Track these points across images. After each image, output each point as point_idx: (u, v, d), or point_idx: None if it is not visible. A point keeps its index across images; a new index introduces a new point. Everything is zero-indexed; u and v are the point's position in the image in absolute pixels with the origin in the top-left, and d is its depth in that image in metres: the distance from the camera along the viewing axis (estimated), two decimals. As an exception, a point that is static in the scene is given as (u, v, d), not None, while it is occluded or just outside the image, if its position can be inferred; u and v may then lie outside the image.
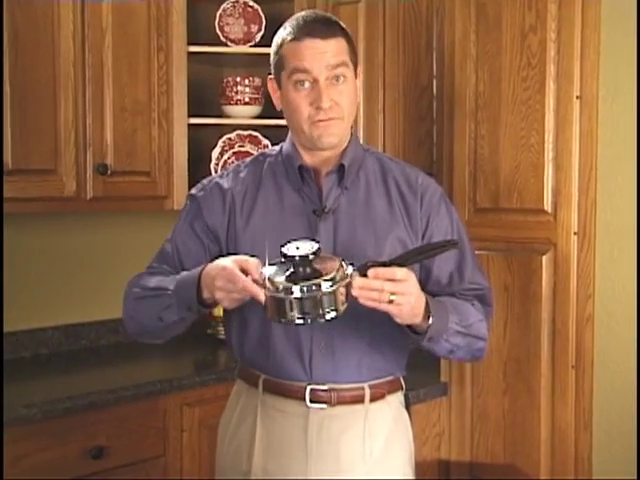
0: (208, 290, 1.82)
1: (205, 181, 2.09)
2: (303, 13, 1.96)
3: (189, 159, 3.21)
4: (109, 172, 2.96)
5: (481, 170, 2.83)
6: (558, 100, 2.67)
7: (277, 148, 2.09)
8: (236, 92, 3.35)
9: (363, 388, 1.98)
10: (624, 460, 2.60)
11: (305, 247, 1.71)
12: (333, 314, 1.70)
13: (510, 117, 2.75)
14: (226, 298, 1.79)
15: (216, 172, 3.27)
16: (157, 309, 1.93)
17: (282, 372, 1.97)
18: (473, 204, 2.86)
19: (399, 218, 1.99)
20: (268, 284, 1.71)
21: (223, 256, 1.86)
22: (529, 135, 2.72)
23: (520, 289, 2.77)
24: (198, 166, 3.31)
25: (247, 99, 3.35)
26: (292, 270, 1.71)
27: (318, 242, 1.72)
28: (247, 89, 3.35)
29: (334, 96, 1.91)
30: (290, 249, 1.71)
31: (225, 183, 2.04)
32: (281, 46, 1.94)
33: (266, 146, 3.35)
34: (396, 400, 2.07)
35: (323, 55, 1.89)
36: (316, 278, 1.69)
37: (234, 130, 3.38)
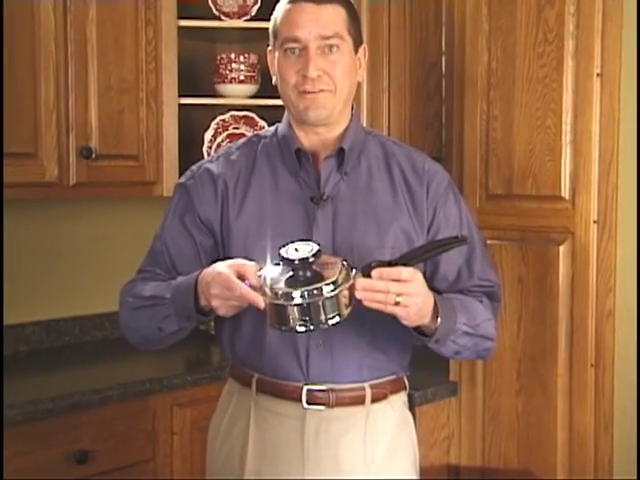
0: (204, 297, 1.83)
1: (194, 167, 2.09)
2: None
3: (180, 142, 3.21)
4: (93, 156, 2.95)
5: (493, 154, 2.83)
6: (577, 78, 2.66)
7: (272, 129, 2.09)
8: (230, 70, 3.34)
9: (364, 388, 1.99)
10: (647, 465, 2.60)
11: (304, 249, 1.71)
12: (337, 319, 1.72)
13: (525, 97, 2.75)
14: (223, 306, 1.80)
15: (209, 156, 3.26)
16: (155, 319, 1.94)
17: (277, 371, 1.97)
18: (485, 190, 2.86)
19: (403, 207, 1.99)
20: (267, 291, 1.72)
21: (221, 252, 1.85)
22: (545, 116, 2.71)
23: (535, 282, 2.77)
24: (189, 149, 3.31)
25: (242, 77, 3.35)
26: (291, 274, 1.72)
27: (319, 244, 1.73)
28: (242, 66, 3.34)
29: (324, 66, 1.91)
30: (289, 252, 1.71)
31: (215, 168, 2.04)
32: (278, 12, 1.96)
33: (263, 128, 3.34)
34: (399, 401, 2.07)
35: (315, 22, 1.89)
36: (317, 282, 1.70)
37: (228, 111, 3.38)
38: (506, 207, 2.82)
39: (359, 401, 1.98)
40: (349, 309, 1.73)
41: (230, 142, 3.26)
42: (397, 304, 1.72)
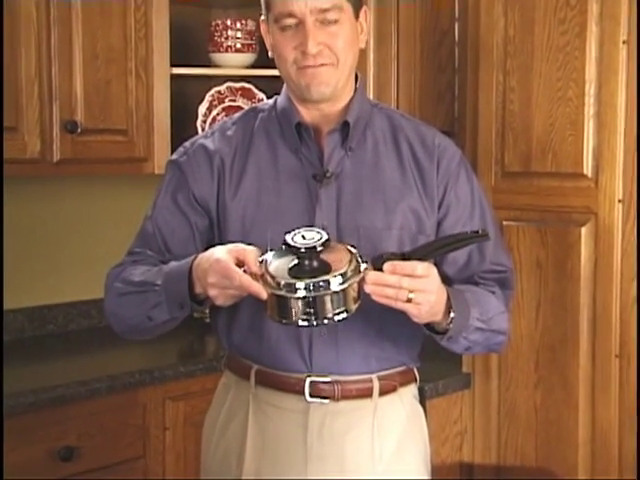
0: (200, 285, 1.83)
1: (187, 144, 2.08)
2: None
3: (172, 116, 3.21)
4: (79, 130, 2.96)
5: (510, 128, 2.83)
6: (601, 46, 2.65)
7: (270, 102, 2.09)
8: (226, 37, 3.34)
9: (371, 380, 1.99)
10: (675, 463, 2.61)
11: (312, 236, 1.71)
12: (343, 315, 1.71)
13: (545, 66, 2.75)
14: (221, 295, 1.80)
15: (203, 131, 3.26)
16: (145, 307, 1.94)
17: (277, 362, 1.98)
18: (501, 167, 2.86)
19: (412, 184, 1.99)
20: (268, 279, 1.71)
21: (217, 234, 1.85)
22: (567, 87, 2.71)
23: (555, 266, 2.77)
24: (182, 124, 3.31)
25: (239, 45, 3.35)
26: (296, 263, 1.71)
27: (327, 232, 1.73)
28: (239, 34, 3.34)
29: (324, 39, 1.90)
30: (295, 238, 1.70)
31: (211, 144, 2.04)
32: None
33: (262, 100, 3.34)
34: (409, 393, 2.08)
35: None
36: (325, 274, 1.69)
37: (224, 82, 3.38)
38: (524, 185, 2.82)
39: (366, 394, 1.99)
40: (357, 304, 1.73)
41: (226, 116, 3.26)
42: (409, 301, 1.73)
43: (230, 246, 1.80)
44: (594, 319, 2.71)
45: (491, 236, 2.04)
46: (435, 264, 1.83)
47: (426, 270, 1.74)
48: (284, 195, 1.96)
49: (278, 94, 2.08)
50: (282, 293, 1.69)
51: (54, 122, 2.91)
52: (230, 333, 2.04)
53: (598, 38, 2.66)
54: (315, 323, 1.70)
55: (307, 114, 2.00)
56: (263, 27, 2.02)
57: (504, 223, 2.83)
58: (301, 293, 1.68)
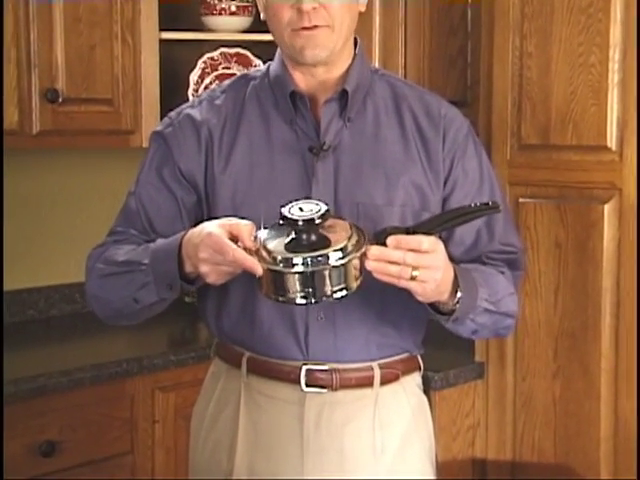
0: (191, 262, 1.83)
1: (172, 114, 2.09)
2: None
3: (161, 84, 3.22)
4: (60, 100, 2.97)
5: (527, 97, 2.83)
6: (627, 6, 2.65)
7: (262, 68, 2.10)
8: (220, -1, 3.35)
9: (372, 368, 2.01)
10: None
11: (311, 208, 1.71)
12: (343, 292, 1.72)
13: (565, 29, 2.75)
14: (213, 272, 1.80)
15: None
16: (130, 289, 1.94)
17: (271, 348, 1.99)
18: (517, 140, 2.87)
19: (416, 157, 2.00)
20: (264, 254, 1.72)
21: (205, 211, 1.85)
22: (589, 52, 2.71)
23: (576, 246, 2.78)
24: (173, 93, 3.31)
25: (234, 8, 3.34)
26: (294, 237, 1.72)
27: (327, 204, 1.73)
28: (234, -5, 3.35)
29: None
30: (292, 211, 1.71)
31: (198, 114, 2.04)
32: None
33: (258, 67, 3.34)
34: (413, 382, 2.09)
35: None
36: (324, 248, 1.70)
37: (218, 47, 3.38)
38: (542, 159, 2.82)
39: (367, 383, 2.00)
40: (358, 281, 1.74)
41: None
42: (413, 278, 1.73)
43: (223, 220, 1.81)
44: (617, 303, 2.72)
45: (500, 215, 2.04)
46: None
47: (433, 245, 1.74)
48: (278, 169, 1.96)
49: (272, 60, 2.08)
50: (278, 268, 1.70)
51: (33, 91, 2.92)
52: (219, 318, 2.04)
53: (624, -1, 2.66)
54: (313, 301, 1.72)
55: (302, 81, 2.00)
56: None
57: (520, 200, 2.84)
58: (298, 268, 1.69)
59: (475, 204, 1.83)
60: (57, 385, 2.68)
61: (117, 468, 2.82)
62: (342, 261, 1.69)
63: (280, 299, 1.73)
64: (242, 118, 2.02)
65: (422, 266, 1.73)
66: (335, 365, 1.98)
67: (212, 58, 3.37)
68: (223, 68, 3.37)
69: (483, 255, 2.05)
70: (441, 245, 1.77)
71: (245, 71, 3.28)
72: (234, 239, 1.76)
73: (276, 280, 1.72)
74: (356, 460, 2.00)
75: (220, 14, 3.35)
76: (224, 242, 1.74)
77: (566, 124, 2.76)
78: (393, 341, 2.03)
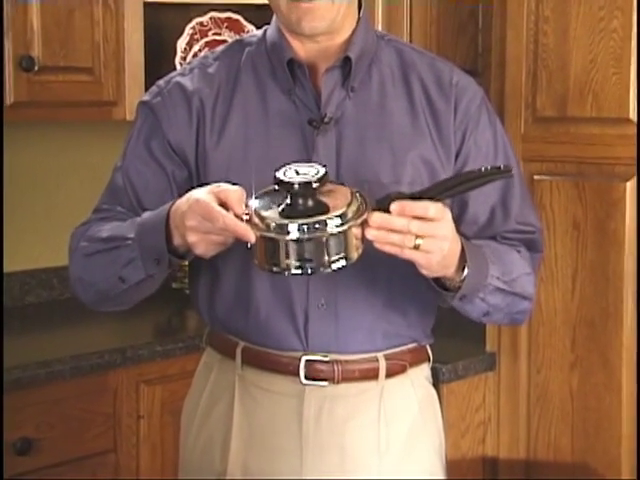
0: (179, 233, 1.82)
1: (161, 82, 2.08)
2: None
3: (146, 52, 3.21)
4: (36, 68, 2.96)
5: (543, 65, 2.83)
6: (652, -34, 2.66)
7: (259, 34, 2.09)
8: (209, -42, 3.34)
9: (377, 359, 2.00)
10: None
11: (307, 171, 1.71)
12: (342, 262, 1.71)
13: (584, -9, 2.75)
14: (202, 242, 1.79)
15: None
16: (115, 267, 1.93)
17: (268, 338, 1.99)
18: (532, 112, 2.87)
19: (425, 130, 1.99)
20: (256, 220, 1.72)
21: (196, 186, 1.85)
22: (610, 17, 2.71)
23: (595, 227, 2.78)
24: (159, 61, 3.31)
25: (225, -32, 3.35)
26: (289, 202, 1.72)
27: (324, 166, 1.73)
28: (224, -47, 3.34)
29: None
30: (287, 174, 1.71)
31: (189, 83, 2.04)
32: None
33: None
34: (421, 375, 2.09)
35: None
36: (321, 214, 1.69)
37: (207, 12, 3.37)
38: (559, 133, 2.83)
39: (371, 375, 2.00)
40: (359, 251, 1.73)
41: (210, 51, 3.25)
42: (417, 247, 1.71)
43: (211, 186, 1.79)
44: (639, 290, 2.73)
45: (517, 190, 2.05)
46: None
47: (440, 212, 1.72)
48: (275, 144, 1.95)
49: (269, 24, 2.07)
50: (272, 235, 1.70)
51: (6, 58, 2.91)
52: (212, 304, 2.04)
53: (649, -44, 2.66)
54: (310, 271, 1.70)
55: (301, 49, 1.99)
56: None
57: (535, 177, 2.84)
58: (294, 235, 1.68)
59: (485, 168, 1.79)
60: (34, 378, 2.68)
61: (99, 467, 2.82)
62: (341, 228, 1.68)
63: (274, 269, 1.72)
64: (237, 88, 2.01)
65: (427, 235, 1.71)
66: (337, 356, 1.98)
67: (201, 23, 3.37)
68: (213, 34, 3.36)
69: (498, 235, 2.05)
70: (448, 213, 1.76)
71: (237, 37, 3.31)
72: (224, 206, 1.74)
73: (270, 248, 1.71)
74: (359, 459, 2.00)
75: (210, -26, 3.35)
76: (213, 208, 1.72)
77: (585, 95, 2.77)
78: (400, 330, 2.02)
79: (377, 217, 1.69)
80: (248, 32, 3.33)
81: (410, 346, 2.05)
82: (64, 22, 3.02)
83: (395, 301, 2.00)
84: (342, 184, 1.80)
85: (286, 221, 1.69)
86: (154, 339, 3.01)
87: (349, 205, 1.71)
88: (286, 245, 1.69)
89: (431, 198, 1.73)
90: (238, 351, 2.02)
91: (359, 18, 2.02)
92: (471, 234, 2.01)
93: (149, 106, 2.06)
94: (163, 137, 2.02)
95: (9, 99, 2.93)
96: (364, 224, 1.70)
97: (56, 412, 2.73)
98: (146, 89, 3.02)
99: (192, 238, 1.78)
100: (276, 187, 1.72)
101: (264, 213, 1.72)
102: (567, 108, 2.80)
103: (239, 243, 1.74)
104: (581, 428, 2.85)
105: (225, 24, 3.38)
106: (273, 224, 1.70)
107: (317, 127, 1.95)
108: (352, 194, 1.73)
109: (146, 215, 1.92)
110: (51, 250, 3.35)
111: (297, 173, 1.70)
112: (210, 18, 3.37)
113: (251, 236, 1.70)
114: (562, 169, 2.83)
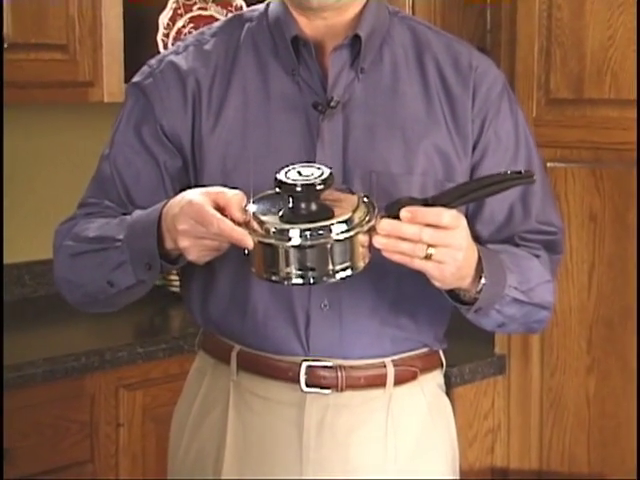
0: (171, 237, 1.82)
1: (153, 61, 2.07)
2: None
3: (125, 28, 3.21)
4: (5, 45, 2.95)
5: (557, 43, 2.83)
6: None
7: (260, 8, 2.07)
8: None
9: (384, 365, 2.00)
10: None
11: (311, 173, 1.70)
12: (347, 272, 1.71)
13: (602, -37, 2.76)
14: (194, 247, 1.79)
15: (165, 48, 3.26)
16: (104, 269, 1.93)
17: (265, 341, 1.98)
18: (545, 93, 2.87)
19: (440, 118, 1.98)
20: (255, 225, 1.71)
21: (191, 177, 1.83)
22: (630, -10, 2.72)
23: (613, 219, 2.79)
24: (139, 38, 3.31)
25: None
26: (291, 206, 1.71)
27: (330, 168, 1.72)
28: None
29: None
30: (289, 175, 1.70)
31: (184, 62, 2.02)
32: None
33: (240, 8, 3.32)
34: (433, 382, 2.08)
35: None
36: (325, 219, 1.69)
37: (192, -16, 3.37)
38: (574, 116, 2.83)
39: (378, 383, 1.99)
40: (366, 260, 1.73)
41: (194, 28, 3.25)
42: (428, 257, 1.71)
43: (208, 188, 1.80)
44: (662, 286, 2.73)
45: (538, 187, 2.04)
46: (467, 221, 1.80)
47: (454, 220, 1.72)
48: (276, 129, 1.94)
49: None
50: (271, 241, 1.69)
51: (-26, 35, 2.90)
52: (206, 305, 2.03)
53: None
54: (312, 281, 1.70)
55: (307, 25, 1.98)
56: None
57: (548, 165, 2.83)
58: (295, 241, 1.68)
59: (505, 172, 1.81)
60: (5, 383, 2.66)
61: (76, 478, 2.82)
62: (347, 235, 1.68)
63: (273, 278, 1.72)
64: (235, 67, 2.00)
65: (440, 244, 1.71)
66: (341, 361, 1.97)
67: (185, -4, 3.37)
68: (198, 9, 3.36)
69: (516, 236, 2.03)
70: (464, 221, 1.76)
71: (225, 13, 3.30)
72: (221, 211, 1.74)
73: (269, 255, 1.71)
74: (364, 474, 2.00)
75: (194, -57, 3.35)
76: (207, 211, 1.72)
77: (603, 74, 2.78)
78: (410, 333, 2.02)
79: (386, 224, 1.69)
80: (237, 7, 3.33)
81: (421, 351, 2.05)
82: (36, -5, 3.02)
83: (405, 302, 1.99)
84: (349, 188, 1.80)
85: (287, 226, 1.69)
86: (135, 340, 3.01)
87: (356, 210, 1.71)
88: (286, 252, 1.69)
89: (445, 204, 1.73)
90: (233, 355, 2.01)
91: (368, -8, 2.02)
92: (487, 234, 2.01)
93: (140, 88, 2.04)
94: (155, 122, 2.00)
95: (-24, 79, 2.92)
96: (372, 231, 1.70)
97: (29, 420, 2.73)
98: (125, 68, 3.05)
99: (184, 243, 1.78)
100: (277, 189, 1.71)
101: (263, 217, 1.72)
102: (583, 89, 2.81)
103: (236, 248, 1.74)
104: (598, 437, 2.86)
105: (211, -3, 3.38)
106: (273, 229, 1.70)
107: (323, 111, 1.94)
108: (359, 199, 1.73)
109: (137, 214, 1.92)
110: (23, 244, 3.34)
111: (300, 174, 1.70)
112: (195, -9, 3.37)
113: (249, 242, 1.70)
114: (578, 155, 2.84)
